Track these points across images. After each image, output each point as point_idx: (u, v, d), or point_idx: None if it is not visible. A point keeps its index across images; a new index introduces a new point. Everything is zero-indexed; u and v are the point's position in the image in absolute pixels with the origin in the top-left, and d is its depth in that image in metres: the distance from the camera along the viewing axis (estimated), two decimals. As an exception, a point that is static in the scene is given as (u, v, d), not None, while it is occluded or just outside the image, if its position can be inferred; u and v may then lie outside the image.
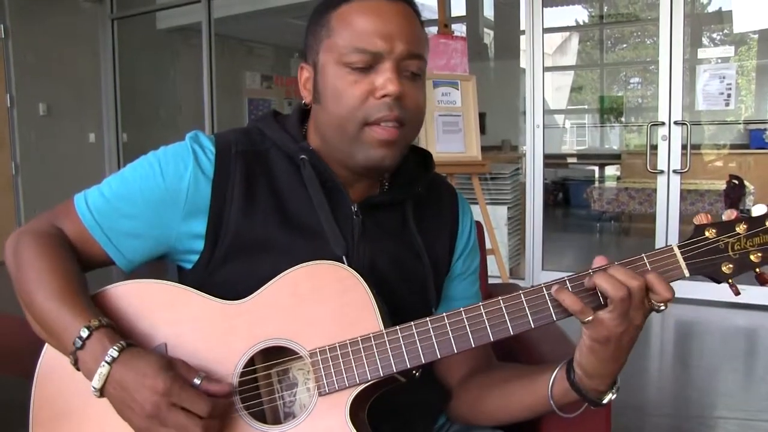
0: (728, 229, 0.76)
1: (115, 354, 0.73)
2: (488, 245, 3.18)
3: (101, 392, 0.75)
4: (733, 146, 6.86)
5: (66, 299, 0.78)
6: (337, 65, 0.84)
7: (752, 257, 0.75)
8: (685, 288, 3.91)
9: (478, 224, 1.39)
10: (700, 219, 0.77)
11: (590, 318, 0.73)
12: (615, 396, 0.80)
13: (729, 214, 0.77)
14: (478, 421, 0.94)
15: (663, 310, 0.74)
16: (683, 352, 3.34)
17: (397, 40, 0.83)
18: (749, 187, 5.11)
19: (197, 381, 0.75)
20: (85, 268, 0.87)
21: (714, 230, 0.76)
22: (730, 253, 0.76)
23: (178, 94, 7.09)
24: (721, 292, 4.09)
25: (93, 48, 6.32)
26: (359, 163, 0.86)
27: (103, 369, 0.73)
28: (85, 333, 0.74)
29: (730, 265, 0.75)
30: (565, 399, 0.82)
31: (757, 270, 0.76)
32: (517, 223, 4.48)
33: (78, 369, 0.76)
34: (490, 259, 3.14)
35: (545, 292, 0.76)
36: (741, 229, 0.76)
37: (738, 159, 6.38)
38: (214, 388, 0.76)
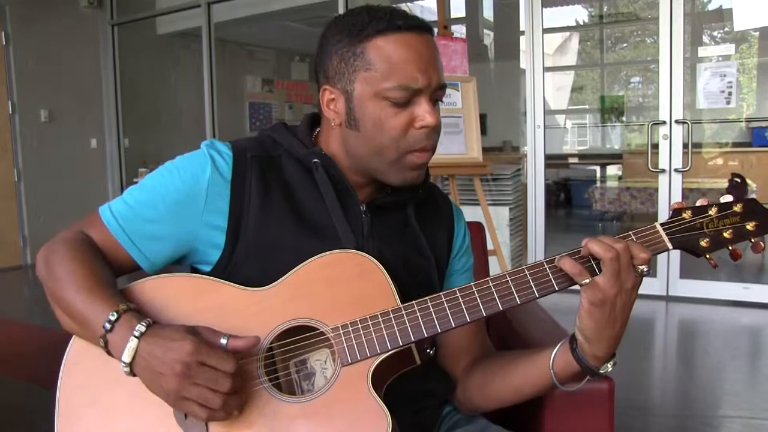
0: (701, 211, 0.89)
1: (143, 329, 0.79)
2: (490, 246, 3.18)
3: (131, 368, 0.79)
4: (735, 144, 6.85)
5: (94, 290, 0.83)
6: (376, 98, 0.89)
7: (725, 234, 0.88)
8: (689, 287, 3.92)
9: (480, 225, 1.44)
10: (677, 204, 0.90)
11: (587, 280, 0.83)
12: (612, 368, 0.88)
13: (702, 201, 0.89)
14: (486, 404, 1.01)
15: (647, 272, 0.84)
16: (687, 351, 3.33)
17: (432, 74, 0.90)
18: (751, 185, 5.10)
19: (224, 341, 0.80)
20: (113, 275, 0.91)
21: (689, 212, 0.89)
22: (706, 230, 0.88)
23: (179, 98, 7.09)
24: (724, 290, 4.07)
25: (94, 54, 6.34)
26: (394, 183, 0.94)
27: (131, 343, 0.78)
28: (113, 317, 0.80)
29: (707, 239, 0.87)
30: (566, 372, 0.89)
31: (730, 247, 0.88)
32: (518, 224, 4.49)
33: (108, 353, 0.81)
34: (492, 260, 3.13)
35: (546, 265, 0.86)
36: (712, 211, 0.88)
37: (740, 157, 6.36)
38: (241, 343, 0.80)
